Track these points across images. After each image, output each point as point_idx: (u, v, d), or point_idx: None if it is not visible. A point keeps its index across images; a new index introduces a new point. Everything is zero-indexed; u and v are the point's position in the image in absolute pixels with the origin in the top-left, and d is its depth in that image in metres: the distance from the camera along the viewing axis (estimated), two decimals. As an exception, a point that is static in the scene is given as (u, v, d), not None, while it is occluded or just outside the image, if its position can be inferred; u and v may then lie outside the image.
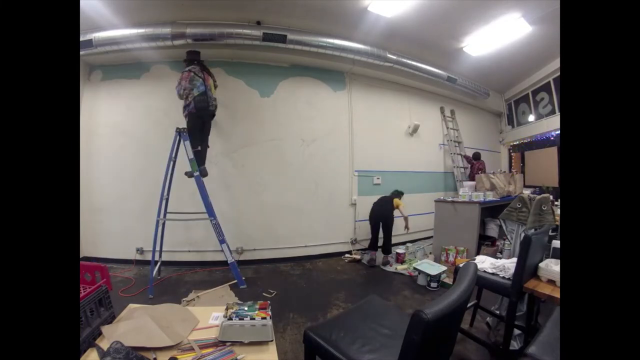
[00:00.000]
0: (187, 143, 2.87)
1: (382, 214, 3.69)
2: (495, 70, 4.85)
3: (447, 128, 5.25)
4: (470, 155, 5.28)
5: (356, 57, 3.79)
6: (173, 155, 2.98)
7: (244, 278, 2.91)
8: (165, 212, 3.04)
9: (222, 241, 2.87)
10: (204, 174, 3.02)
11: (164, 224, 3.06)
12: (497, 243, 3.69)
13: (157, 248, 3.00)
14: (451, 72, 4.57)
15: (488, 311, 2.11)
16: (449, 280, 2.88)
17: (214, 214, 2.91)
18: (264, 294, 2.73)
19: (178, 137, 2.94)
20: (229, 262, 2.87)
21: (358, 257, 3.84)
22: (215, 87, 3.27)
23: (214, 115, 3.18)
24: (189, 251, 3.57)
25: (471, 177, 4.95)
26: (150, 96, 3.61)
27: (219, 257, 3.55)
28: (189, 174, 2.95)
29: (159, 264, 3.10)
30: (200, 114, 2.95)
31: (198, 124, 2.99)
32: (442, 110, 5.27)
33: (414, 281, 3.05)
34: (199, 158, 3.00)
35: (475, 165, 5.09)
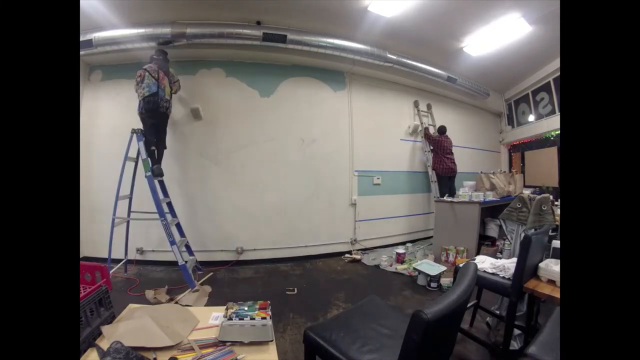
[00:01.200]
0: (141, 143, 2.89)
1: None
2: (495, 70, 4.84)
3: (422, 124, 4.84)
4: (433, 131, 4.74)
5: (356, 57, 3.79)
6: (128, 155, 3.04)
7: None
8: (130, 212, 3.20)
9: (172, 242, 2.76)
10: (156, 173, 2.99)
11: (128, 223, 3.22)
12: (497, 243, 3.70)
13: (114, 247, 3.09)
14: (451, 72, 4.56)
15: (488, 311, 2.11)
16: (448, 281, 2.87)
17: (164, 215, 2.85)
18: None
19: (132, 138, 3.00)
20: (179, 264, 2.71)
21: (358, 257, 3.84)
22: (173, 89, 3.19)
23: (166, 116, 3.12)
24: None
25: (436, 157, 4.54)
26: (150, 96, 3.61)
27: (220, 257, 3.58)
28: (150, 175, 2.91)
29: (124, 261, 3.24)
30: (149, 115, 2.92)
31: (148, 124, 2.96)
32: (416, 104, 4.87)
33: (414, 281, 3.05)
34: (153, 158, 3.01)
35: (440, 141, 4.52)
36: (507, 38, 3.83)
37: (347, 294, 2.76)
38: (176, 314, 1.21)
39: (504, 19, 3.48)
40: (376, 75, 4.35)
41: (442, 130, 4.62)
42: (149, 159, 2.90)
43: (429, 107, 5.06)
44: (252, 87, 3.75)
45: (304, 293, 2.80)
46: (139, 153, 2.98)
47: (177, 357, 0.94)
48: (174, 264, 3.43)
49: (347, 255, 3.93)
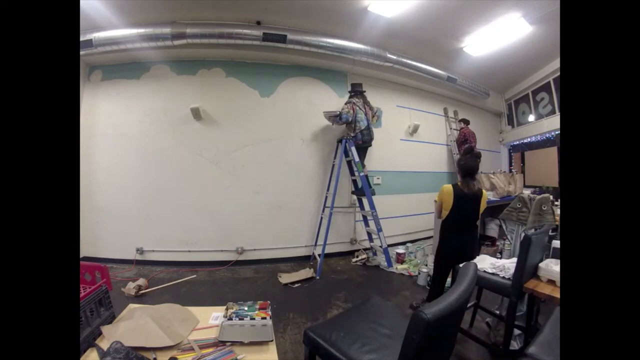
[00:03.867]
0: (354, 148, 3.43)
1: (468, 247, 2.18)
2: (495, 70, 4.84)
3: (450, 129, 5.17)
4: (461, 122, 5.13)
5: (356, 57, 3.78)
6: (335, 159, 3.77)
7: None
8: (325, 207, 3.80)
9: (379, 230, 3.38)
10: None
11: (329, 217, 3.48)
12: (497, 243, 3.70)
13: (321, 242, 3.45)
14: (451, 72, 4.56)
15: (488, 311, 2.11)
16: (448, 281, 2.86)
17: (374, 207, 3.46)
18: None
19: (337, 145, 3.68)
20: (383, 247, 3.38)
21: (364, 256, 3.80)
22: (374, 118, 3.76)
23: (370, 144, 3.76)
24: (189, 251, 3.57)
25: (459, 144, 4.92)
26: (150, 96, 3.61)
27: (220, 257, 3.58)
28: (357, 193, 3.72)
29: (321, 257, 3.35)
30: (364, 145, 3.63)
31: (362, 152, 3.63)
32: (445, 111, 5.22)
33: (414, 281, 3.05)
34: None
35: (461, 130, 4.97)
36: (508, 38, 3.82)
37: (347, 294, 2.76)
38: (176, 314, 1.21)
39: (504, 19, 3.47)
40: (376, 75, 4.34)
41: (465, 121, 4.97)
42: (360, 161, 3.47)
43: (455, 113, 5.20)
44: (252, 87, 3.75)
45: (304, 292, 2.80)
46: (336, 156, 3.77)
47: (177, 357, 0.94)
48: (174, 263, 3.47)
49: (358, 257, 3.80)
